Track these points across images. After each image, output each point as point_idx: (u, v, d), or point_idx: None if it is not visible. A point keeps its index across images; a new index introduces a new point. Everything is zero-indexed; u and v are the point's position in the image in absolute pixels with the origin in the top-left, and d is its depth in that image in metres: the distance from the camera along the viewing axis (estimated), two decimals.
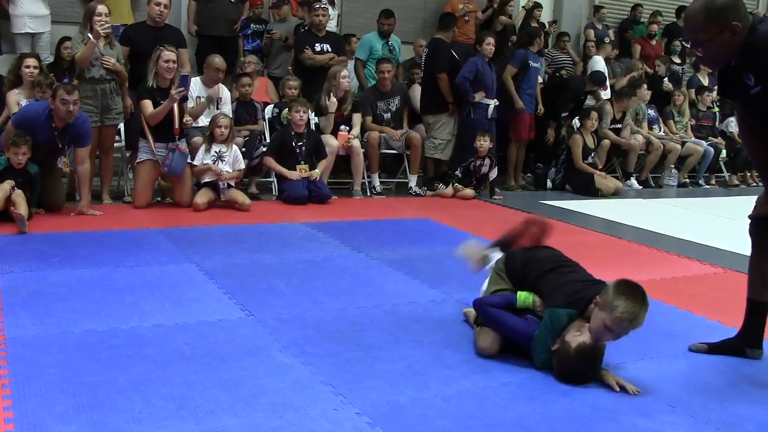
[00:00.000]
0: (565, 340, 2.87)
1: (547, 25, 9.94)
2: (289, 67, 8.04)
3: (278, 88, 7.91)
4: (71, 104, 5.37)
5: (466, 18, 9.12)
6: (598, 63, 9.41)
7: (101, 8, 5.90)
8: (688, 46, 10.24)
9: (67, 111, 5.38)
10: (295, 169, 6.60)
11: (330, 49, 7.62)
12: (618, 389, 2.83)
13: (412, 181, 7.64)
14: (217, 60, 6.63)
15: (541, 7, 9.75)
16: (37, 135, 5.37)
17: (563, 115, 8.60)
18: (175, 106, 5.93)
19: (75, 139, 5.58)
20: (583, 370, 2.88)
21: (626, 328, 2.78)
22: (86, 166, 5.64)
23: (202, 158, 6.09)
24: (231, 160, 6.15)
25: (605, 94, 9.16)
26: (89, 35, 5.80)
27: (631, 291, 2.77)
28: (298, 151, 6.67)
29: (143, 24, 6.64)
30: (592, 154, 8.19)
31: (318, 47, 7.60)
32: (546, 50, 9.43)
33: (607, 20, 10.82)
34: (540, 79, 8.54)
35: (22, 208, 4.99)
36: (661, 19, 10.83)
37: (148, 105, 5.92)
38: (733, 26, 2.69)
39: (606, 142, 8.43)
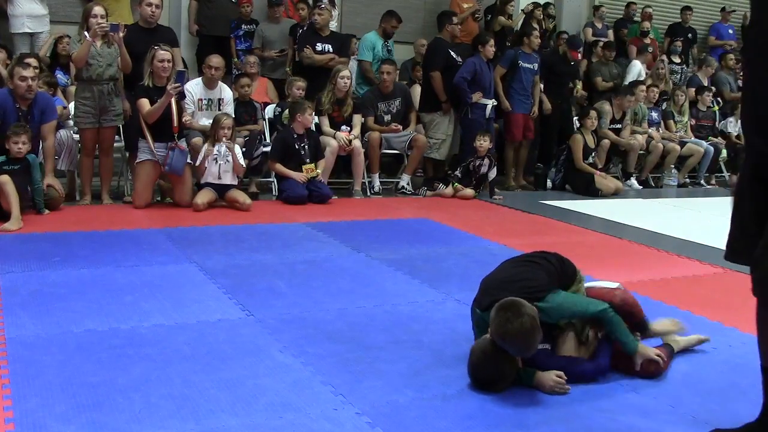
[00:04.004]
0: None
1: (543, 24, 9.92)
2: (288, 69, 8.03)
3: (277, 89, 7.92)
4: (29, 79, 5.42)
5: (477, 16, 9.15)
6: (635, 66, 9.58)
7: (97, 9, 5.91)
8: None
9: (27, 86, 5.43)
10: (301, 170, 6.61)
11: (331, 50, 7.62)
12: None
13: (404, 180, 7.63)
14: (213, 58, 6.63)
15: (542, 6, 9.75)
16: (8, 120, 5.41)
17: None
18: (174, 105, 5.94)
19: (41, 115, 5.60)
20: (480, 370, 2.78)
21: (520, 346, 2.69)
22: (49, 142, 5.69)
23: (201, 158, 6.08)
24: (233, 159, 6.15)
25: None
26: (86, 35, 5.80)
27: (503, 314, 2.68)
28: (302, 152, 6.68)
29: (135, 25, 6.62)
30: (593, 154, 8.19)
31: (319, 47, 7.60)
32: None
33: (605, 20, 10.81)
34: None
35: (13, 199, 5.04)
36: (651, 11, 10.81)
37: (145, 104, 5.92)
38: None
39: (606, 142, 8.42)
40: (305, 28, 7.84)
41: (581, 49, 9.23)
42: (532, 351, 2.75)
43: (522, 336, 2.65)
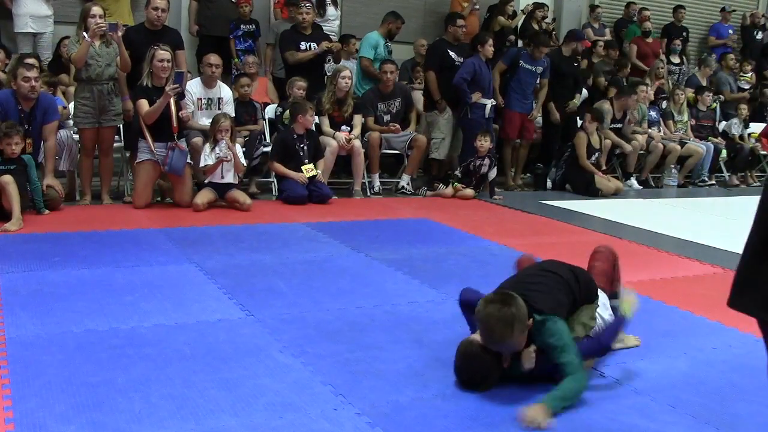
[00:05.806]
0: None
1: (545, 25, 9.91)
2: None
3: (278, 88, 7.91)
4: (33, 80, 5.43)
5: (477, 6, 9.16)
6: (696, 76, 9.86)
7: (95, 9, 5.91)
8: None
9: (30, 87, 5.44)
10: (301, 170, 6.61)
11: (315, 48, 7.64)
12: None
13: (404, 180, 7.63)
14: (212, 57, 6.62)
15: (542, 7, 9.74)
16: (9, 120, 5.40)
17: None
18: (173, 104, 5.93)
19: (43, 116, 5.59)
20: (462, 368, 2.80)
21: (488, 331, 2.66)
22: (50, 143, 5.69)
23: (205, 159, 6.07)
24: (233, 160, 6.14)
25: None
26: (85, 35, 5.80)
27: (492, 297, 2.70)
28: (302, 153, 6.68)
29: (141, 27, 6.61)
30: (596, 154, 8.16)
31: (303, 45, 7.62)
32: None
33: (603, 20, 10.80)
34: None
35: (14, 200, 5.03)
36: (648, 13, 10.80)
37: (143, 104, 5.92)
38: None
39: (607, 142, 8.42)
40: (289, 29, 7.84)
41: (581, 44, 9.18)
42: (499, 345, 2.69)
43: (495, 322, 2.61)
